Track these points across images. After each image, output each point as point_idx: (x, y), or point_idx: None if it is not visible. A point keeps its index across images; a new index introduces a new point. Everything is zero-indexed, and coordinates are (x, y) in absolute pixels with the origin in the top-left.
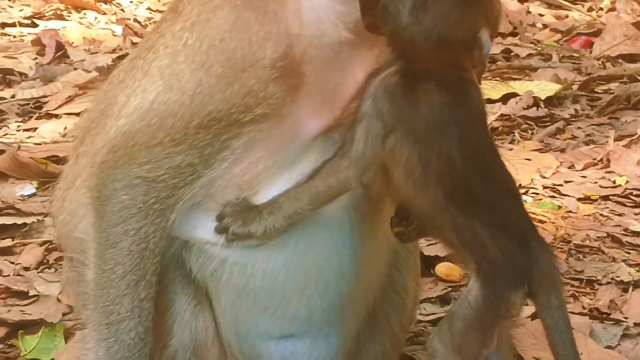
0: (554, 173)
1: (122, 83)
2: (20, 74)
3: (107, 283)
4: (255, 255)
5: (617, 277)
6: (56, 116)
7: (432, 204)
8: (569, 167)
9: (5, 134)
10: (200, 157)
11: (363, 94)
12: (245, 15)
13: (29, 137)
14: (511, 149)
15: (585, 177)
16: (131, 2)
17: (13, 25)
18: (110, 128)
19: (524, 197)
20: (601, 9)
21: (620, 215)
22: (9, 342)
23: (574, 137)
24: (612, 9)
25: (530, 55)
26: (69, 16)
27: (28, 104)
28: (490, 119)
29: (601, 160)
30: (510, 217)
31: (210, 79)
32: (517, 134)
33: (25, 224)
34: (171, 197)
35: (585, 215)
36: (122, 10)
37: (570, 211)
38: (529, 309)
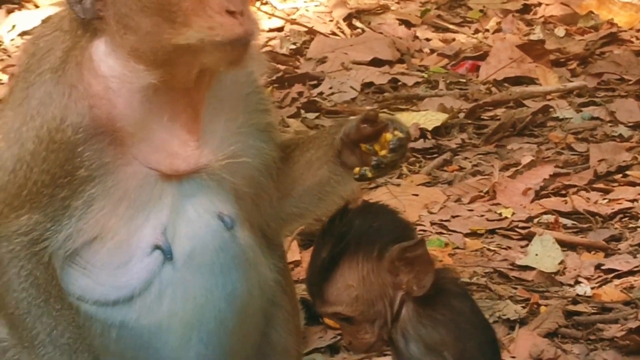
0: (441, 208)
1: None
2: None
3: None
4: (132, 313)
5: (504, 315)
6: None
7: None
8: (456, 201)
9: None
10: (45, 215)
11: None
12: (51, 89)
13: None
14: (399, 185)
15: (472, 210)
16: None
17: None
18: None
19: None
20: (487, 30)
21: (506, 249)
22: None
23: (461, 169)
24: (499, 30)
25: (417, 84)
26: None
27: None
28: None
29: (487, 192)
30: None
31: (26, 155)
32: (404, 168)
33: None
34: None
35: (472, 250)
36: None
37: (458, 247)
38: None
